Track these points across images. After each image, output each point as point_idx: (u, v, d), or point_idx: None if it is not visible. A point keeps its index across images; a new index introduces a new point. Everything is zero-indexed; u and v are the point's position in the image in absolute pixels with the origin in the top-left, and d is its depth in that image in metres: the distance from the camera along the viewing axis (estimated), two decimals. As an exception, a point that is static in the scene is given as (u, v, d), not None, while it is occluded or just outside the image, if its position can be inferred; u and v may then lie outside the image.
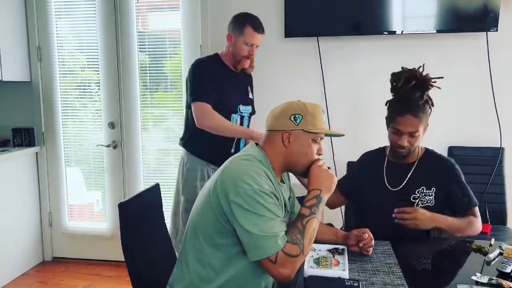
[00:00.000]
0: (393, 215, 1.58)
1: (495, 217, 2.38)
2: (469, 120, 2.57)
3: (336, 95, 2.67)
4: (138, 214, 1.47)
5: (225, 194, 1.16)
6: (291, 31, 2.60)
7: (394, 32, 2.51)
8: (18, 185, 2.93)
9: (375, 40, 2.59)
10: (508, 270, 1.27)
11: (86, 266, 3.08)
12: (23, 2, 2.93)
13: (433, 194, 1.67)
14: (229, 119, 2.10)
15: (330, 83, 2.67)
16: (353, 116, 2.68)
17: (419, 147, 1.75)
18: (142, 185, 3.02)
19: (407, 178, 1.71)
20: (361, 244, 1.43)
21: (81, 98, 3.07)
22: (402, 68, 1.70)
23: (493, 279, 1.21)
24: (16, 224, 2.90)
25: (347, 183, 1.86)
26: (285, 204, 1.31)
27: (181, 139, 2.23)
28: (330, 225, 1.70)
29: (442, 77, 1.66)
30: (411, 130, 1.62)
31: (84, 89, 3.04)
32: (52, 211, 3.15)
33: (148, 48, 2.91)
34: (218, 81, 2.07)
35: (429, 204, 1.66)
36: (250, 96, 2.29)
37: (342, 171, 2.21)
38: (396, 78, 1.70)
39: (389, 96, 1.75)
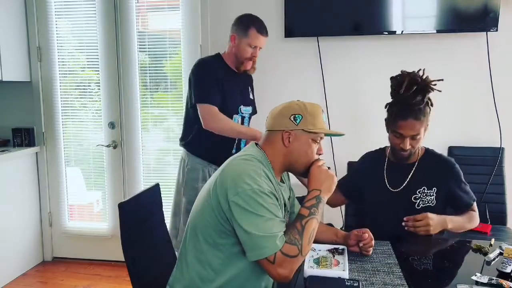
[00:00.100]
0: (403, 223, 1.59)
1: (495, 217, 2.38)
2: (469, 120, 2.56)
3: (336, 95, 2.67)
4: (138, 214, 1.48)
5: (224, 194, 1.16)
6: (291, 31, 2.60)
7: (394, 32, 2.50)
8: (18, 185, 2.93)
9: (375, 40, 2.59)
10: (508, 270, 1.27)
11: (86, 266, 3.08)
12: (23, 2, 2.93)
13: (434, 194, 1.67)
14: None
15: (330, 83, 2.67)
16: (353, 116, 2.68)
17: (419, 147, 1.75)
18: (142, 185, 3.02)
19: (408, 179, 1.71)
20: (361, 244, 1.43)
21: (81, 98, 3.06)
22: (401, 71, 1.68)
23: (493, 279, 1.21)
24: (16, 224, 2.90)
25: (348, 183, 1.86)
26: (284, 204, 1.31)
27: (182, 139, 2.21)
28: (330, 225, 1.70)
29: (442, 80, 1.66)
30: (413, 134, 1.62)
31: (84, 89, 3.04)
32: (52, 211, 3.15)
33: (148, 48, 2.91)
34: (221, 82, 2.06)
35: (430, 204, 1.66)
36: (251, 96, 2.28)
37: (342, 171, 2.21)
38: (396, 82, 1.68)
39: (389, 96, 1.74)
